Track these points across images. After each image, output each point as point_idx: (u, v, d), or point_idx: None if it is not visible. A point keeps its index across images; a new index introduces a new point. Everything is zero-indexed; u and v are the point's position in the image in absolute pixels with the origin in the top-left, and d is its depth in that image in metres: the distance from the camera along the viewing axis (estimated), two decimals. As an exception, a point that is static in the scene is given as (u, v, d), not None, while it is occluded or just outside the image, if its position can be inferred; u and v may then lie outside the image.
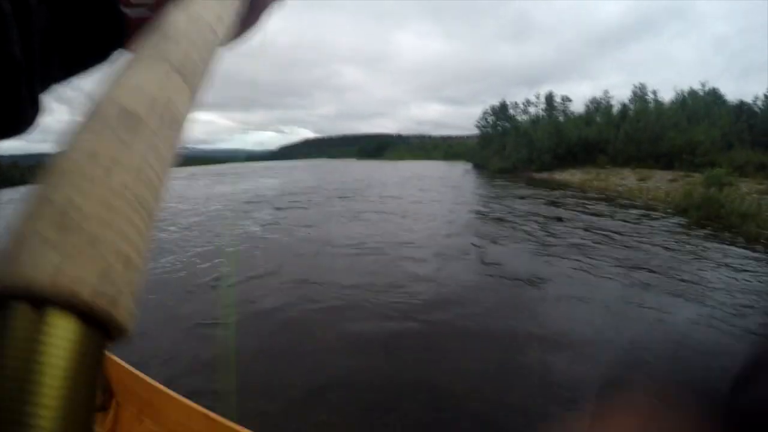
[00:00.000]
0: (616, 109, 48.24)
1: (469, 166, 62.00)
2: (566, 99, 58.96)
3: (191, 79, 0.29)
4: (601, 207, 17.33)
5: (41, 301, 0.17)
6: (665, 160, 36.52)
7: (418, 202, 18.31)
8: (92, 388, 0.18)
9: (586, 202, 19.24)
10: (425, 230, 11.29)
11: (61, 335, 0.17)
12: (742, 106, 42.43)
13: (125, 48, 0.39)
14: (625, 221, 13.61)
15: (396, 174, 43.39)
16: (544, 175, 39.68)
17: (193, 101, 0.29)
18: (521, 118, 61.21)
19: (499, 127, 61.19)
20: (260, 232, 11.11)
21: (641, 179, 30.32)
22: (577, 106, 56.67)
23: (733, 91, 46.81)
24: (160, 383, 1.87)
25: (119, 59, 0.38)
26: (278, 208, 16.22)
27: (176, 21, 0.31)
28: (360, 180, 33.00)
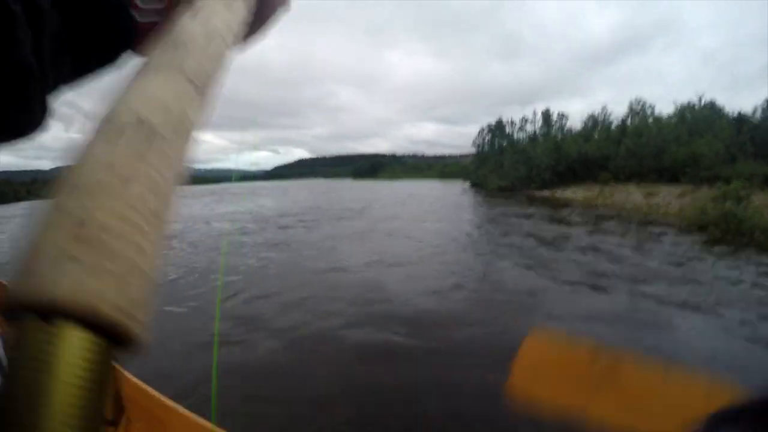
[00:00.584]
0: (614, 124, 47.79)
1: (466, 185, 61.21)
2: (563, 116, 58.67)
3: (203, 89, 0.29)
4: (612, 226, 16.35)
5: (58, 315, 0.17)
6: (669, 174, 35.66)
7: (419, 220, 17.22)
8: (103, 402, 0.18)
9: (594, 220, 18.23)
10: (431, 252, 10.49)
11: (78, 350, 0.17)
12: (741, 118, 41.91)
13: (134, 52, 0.39)
14: (642, 240, 12.69)
15: (393, 194, 42.29)
16: (545, 193, 38.76)
17: (203, 112, 0.29)
18: (518, 135, 60.81)
19: (495, 145, 60.58)
20: (265, 252, 10.76)
21: (648, 195, 29.42)
22: (572, 123, 56.10)
23: (721, 103, 46.78)
24: (170, 399, 1.79)
25: (127, 63, 0.38)
26: (283, 227, 15.99)
27: (188, 29, 0.31)
28: (358, 200, 31.82)
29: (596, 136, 46.85)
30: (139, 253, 0.20)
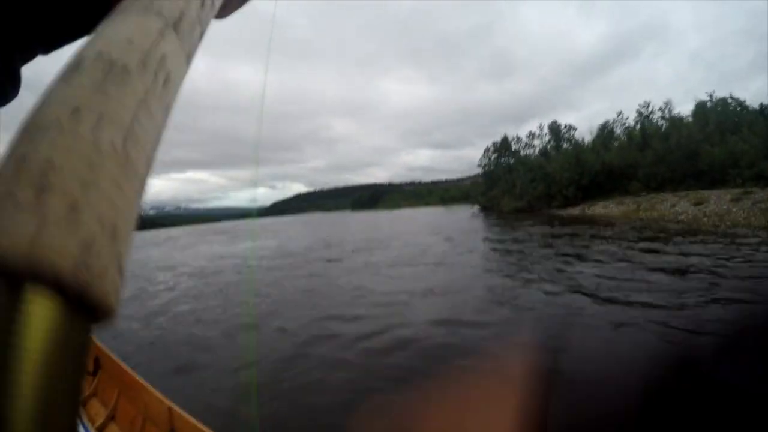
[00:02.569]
0: (629, 131, 44.40)
1: (475, 209, 57.46)
2: (571, 127, 55.56)
3: (187, 39, 0.27)
4: (683, 243, 13.25)
5: (15, 274, 0.14)
6: (707, 178, 32.02)
7: (437, 247, 13.06)
8: (77, 373, 0.16)
9: (656, 238, 14.88)
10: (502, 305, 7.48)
11: (39, 314, 0.14)
12: (763, 110, 38.47)
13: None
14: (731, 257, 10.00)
15: (400, 224, 38.17)
16: (571, 211, 34.82)
17: (188, 65, 0.27)
18: (525, 152, 57.51)
19: (503, 165, 57.14)
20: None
21: (697, 203, 25.58)
22: (578, 135, 52.98)
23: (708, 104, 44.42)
24: (134, 372, 2.58)
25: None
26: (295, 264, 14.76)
27: None
28: (365, 234, 27.77)
29: (615, 145, 43.48)
30: (110, 206, 0.17)
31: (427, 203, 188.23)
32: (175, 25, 0.25)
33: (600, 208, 32.29)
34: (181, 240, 42.59)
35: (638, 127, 43.88)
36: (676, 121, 40.18)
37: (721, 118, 37.39)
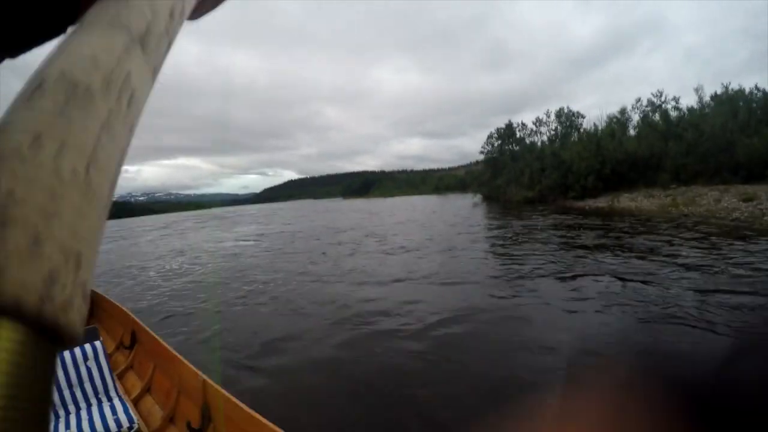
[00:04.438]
0: (634, 119, 40.94)
1: (476, 198, 53.86)
2: (579, 115, 51.96)
3: (154, 54, 0.25)
4: None
5: None
6: (744, 171, 28.73)
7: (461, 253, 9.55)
8: (44, 399, 0.15)
9: (742, 238, 11.80)
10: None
11: (3, 347, 0.14)
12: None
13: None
14: None
15: (396, 213, 34.43)
16: (591, 202, 31.35)
17: (154, 80, 0.26)
18: (530, 140, 53.87)
19: (507, 152, 53.45)
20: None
21: (747, 200, 22.26)
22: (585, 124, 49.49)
23: (699, 100, 42.09)
24: (256, 412, 2.11)
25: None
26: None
27: None
28: (358, 224, 24.15)
29: (632, 134, 39.99)
30: (73, 235, 0.17)
31: (420, 192, 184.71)
32: (142, 40, 0.24)
33: (627, 201, 28.86)
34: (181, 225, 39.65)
35: (656, 115, 40.44)
36: (705, 110, 36.65)
37: (754, 107, 34.08)
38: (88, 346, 2.88)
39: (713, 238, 12.14)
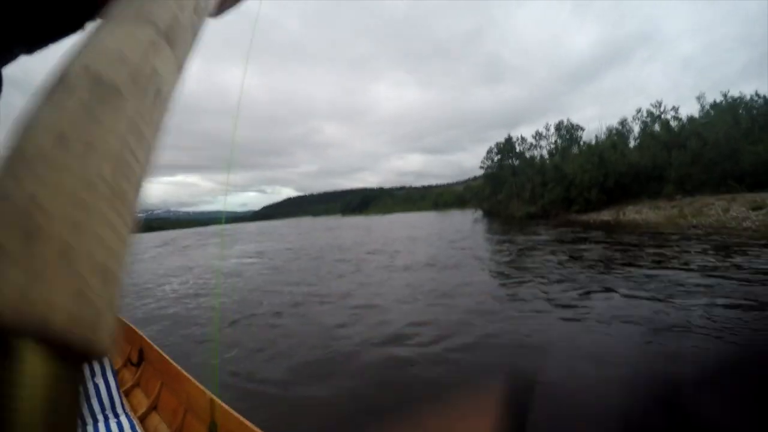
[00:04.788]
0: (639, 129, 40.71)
1: (477, 214, 53.24)
2: (578, 127, 51.76)
3: (180, 47, 0.24)
4: None
5: (6, 331, 0.13)
6: (750, 179, 28.28)
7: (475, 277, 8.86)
8: (72, 416, 0.15)
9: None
10: None
11: (32, 371, 0.13)
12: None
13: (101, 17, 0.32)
14: None
15: (396, 230, 33.73)
16: (596, 216, 30.74)
17: (180, 76, 0.25)
18: (530, 153, 53.56)
19: (507, 167, 53.10)
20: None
21: (755, 208, 21.69)
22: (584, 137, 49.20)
23: (697, 109, 42.50)
24: (262, 430, 2.09)
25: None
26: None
27: None
28: (362, 242, 23.44)
29: (633, 144, 39.67)
30: (100, 246, 0.16)
31: (419, 208, 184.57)
32: (167, 34, 0.23)
33: (633, 213, 28.30)
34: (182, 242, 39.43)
35: (656, 125, 40.21)
36: (706, 119, 36.38)
37: (753, 115, 33.87)
38: (95, 363, 2.83)
39: (732, 248, 11.54)
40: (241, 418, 2.27)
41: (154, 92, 0.21)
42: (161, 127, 0.22)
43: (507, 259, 13.58)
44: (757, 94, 37.27)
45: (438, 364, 4.95)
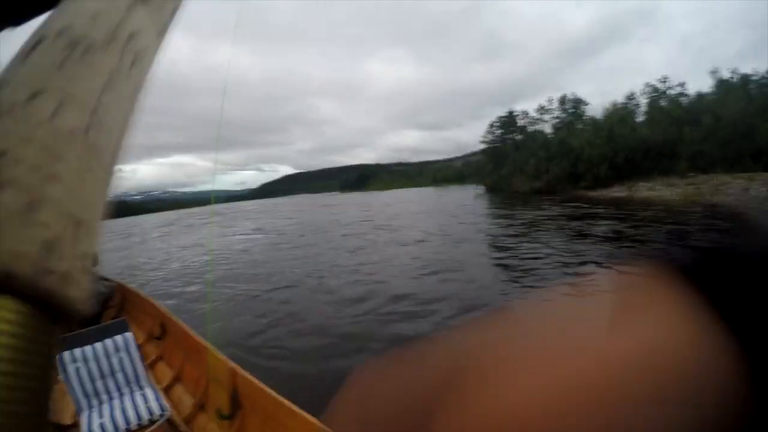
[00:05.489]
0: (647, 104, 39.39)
1: (479, 189, 52.08)
2: (582, 102, 50.13)
3: (157, 13, 0.24)
4: None
5: None
6: (767, 158, 27.20)
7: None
8: (43, 376, 0.14)
9: None
10: None
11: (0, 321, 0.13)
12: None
13: None
14: None
15: (397, 207, 32.53)
16: (606, 192, 29.72)
17: (160, 42, 0.24)
18: (532, 128, 52.05)
19: (509, 141, 51.69)
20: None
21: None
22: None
23: (702, 88, 41.65)
24: (284, 397, 2.13)
25: None
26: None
27: None
28: (366, 219, 22.33)
29: (645, 119, 38.30)
30: (73, 198, 0.15)
31: (417, 184, 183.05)
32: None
33: (645, 190, 27.26)
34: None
35: (662, 102, 38.87)
36: (718, 95, 35.01)
37: (766, 92, 32.62)
38: (119, 338, 2.86)
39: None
40: (263, 386, 2.30)
41: (132, 54, 0.20)
42: (139, 90, 0.21)
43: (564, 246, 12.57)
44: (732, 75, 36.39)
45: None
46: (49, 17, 0.19)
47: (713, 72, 37.98)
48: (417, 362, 0.15)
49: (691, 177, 27.81)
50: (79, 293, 0.15)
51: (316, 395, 3.51)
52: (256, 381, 2.36)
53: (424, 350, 0.15)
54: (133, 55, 0.21)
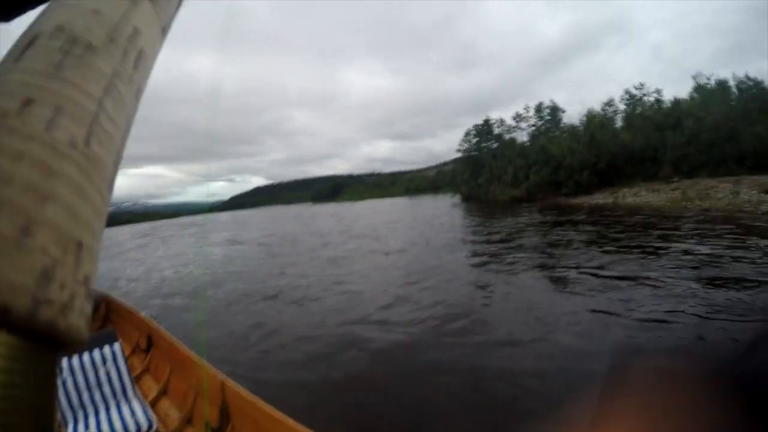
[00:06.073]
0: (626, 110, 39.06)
1: (455, 198, 50.73)
2: (559, 109, 49.64)
3: (163, 8, 0.22)
4: None
5: None
6: (751, 162, 26.70)
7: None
8: (46, 409, 0.13)
9: None
10: None
11: None
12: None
13: None
14: None
15: (370, 217, 30.59)
16: (586, 199, 28.49)
17: (163, 38, 0.23)
18: (509, 136, 51.16)
19: (485, 150, 50.60)
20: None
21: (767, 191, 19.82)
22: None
23: (674, 95, 42.70)
24: (276, 409, 2.02)
25: None
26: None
27: None
28: (334, 230, 20.24)
29: (624, 125, 37.78)
30: (72, 219, 0.14)
31: (390, 194, 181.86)
32: None
33: (630, 196, 26.14)
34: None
35: (639, 108, 38.61)
36: (702, 98, 34.71)
37: (750, 96, 32.49)
38: (106, 349, 2.75)
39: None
40: (253, 398, 2.23)
41: (135, 53, 0.19)
42: (141, 91, 0.20)
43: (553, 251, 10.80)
44: (747, 77, 36.13)
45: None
46: (44, 12, 0.18)
47: (695, 76, 37.84)
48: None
49: (675, 182, 27.00)
50: (81, 321, 0.14)
51: (306, 405, 3.53)
52: (246, 393, 2.27)
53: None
54: (137, 53, 0.19)
